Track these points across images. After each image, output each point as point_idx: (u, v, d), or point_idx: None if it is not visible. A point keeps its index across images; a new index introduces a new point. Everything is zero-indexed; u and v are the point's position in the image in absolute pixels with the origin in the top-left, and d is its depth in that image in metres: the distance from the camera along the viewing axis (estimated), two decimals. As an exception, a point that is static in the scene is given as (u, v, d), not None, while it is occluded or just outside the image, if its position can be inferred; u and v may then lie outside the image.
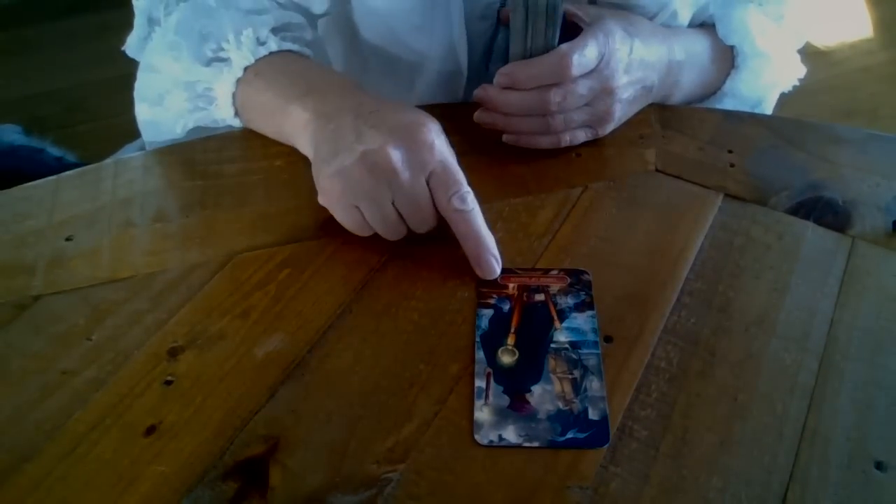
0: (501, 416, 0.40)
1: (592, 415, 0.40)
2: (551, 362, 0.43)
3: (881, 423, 0.40)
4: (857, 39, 2.10)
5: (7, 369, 0.42)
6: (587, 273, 0.47)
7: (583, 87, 0.52)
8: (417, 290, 0.47)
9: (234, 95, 0.55)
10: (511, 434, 0.39)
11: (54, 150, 1.01)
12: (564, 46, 0.51)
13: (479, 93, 0.54)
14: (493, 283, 0.47)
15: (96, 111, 1.68)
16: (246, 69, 0.54)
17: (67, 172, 0.55)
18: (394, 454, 0.38)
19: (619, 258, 0.49)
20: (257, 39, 0.54)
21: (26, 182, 0.54)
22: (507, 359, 0.43)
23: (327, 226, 0.50)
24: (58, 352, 0.43)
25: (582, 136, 0.56)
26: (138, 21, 0.61)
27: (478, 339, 0.44)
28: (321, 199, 0.47)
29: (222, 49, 0.54)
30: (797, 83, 0.67)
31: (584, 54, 0.50)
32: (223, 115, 0.56)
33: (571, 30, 0.53)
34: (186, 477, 0.37)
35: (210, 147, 0.58)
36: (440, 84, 0.65)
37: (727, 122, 0.60)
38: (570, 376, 0.42)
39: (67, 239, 0.50)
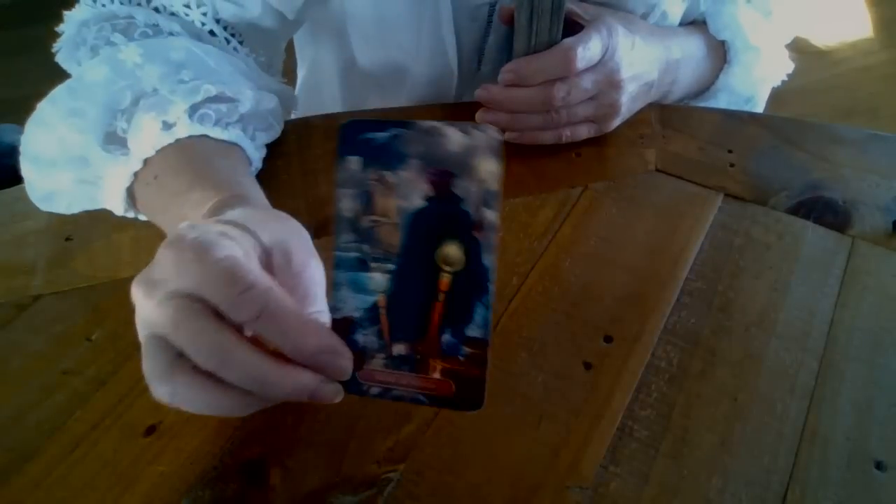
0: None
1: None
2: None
3: (881, 423, 0.40)
4: (857, 39, 2.10)
5: (7, 369, 0.42)
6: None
7: (587, 81, 0.52)
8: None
9: (128, 190, 0.46)
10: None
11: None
12: (568, 40, 0.51)
13: (481, 93, 0.54)
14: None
15: (96, 111, 1.67)
16: (146, 162, 0.45)
17: (67, 172, 0.55)
18: (394, 454, 0.38)
19: (619, 258, 0.49)
20: (164, 123, 0.45)
21: (26, 182, 0.54)
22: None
23: (327, 226, 0.50)
24: (58, 352, 0.43)
25: (584, 131, 0.56)
26: (68, 27, 0.52)
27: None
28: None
29: (123, 131, 0.47)
30: (786, 78, 0.68)
31: (589, 48, 0.51)
32: (112, 206, 0.48)
33: (571, 28, 0.53)
34: (186, 477, 0.37)
35: (210, 147, 0.57)
36: (430, 85, 0.65)
37: (727, 122, 0.60)
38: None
39: (67, 239, 0.50)
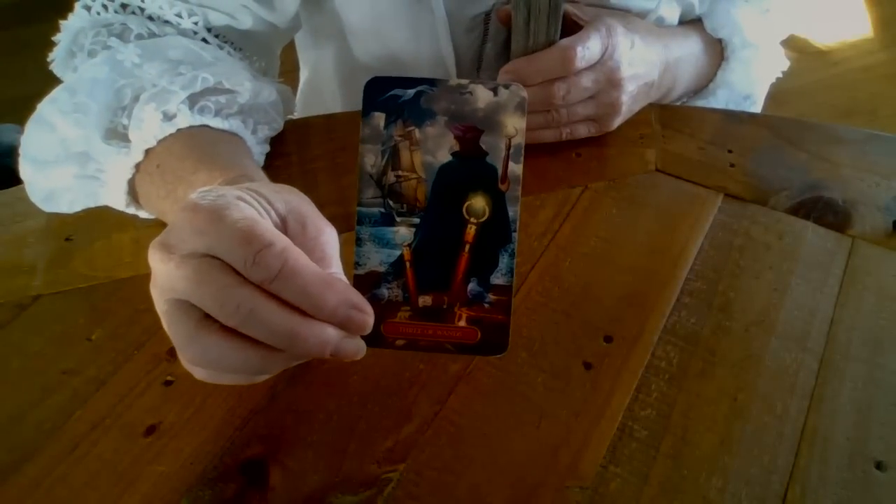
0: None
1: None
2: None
3: (881, 423, 0.40)
4: (857, 39, 2.10)
5: (7, 369, 0.42)
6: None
7: (587, 80, 0.52)
8: (417, 290, 0.47)
9: (129, 182, 0.46)
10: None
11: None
12: (567, 40, 0.51)
13: None
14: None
15: (96, 111, 1.67)
16: (147, 153, 0.45)
17: (67, 172, 0.55)
18: (394, 454, 0.38)
19: (619, 258, 0.49)
20: (164, 114, 0.45)
21: (26, 182, 0.54)
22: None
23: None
24: (58, 352, 0.43)
25: (583, 130, 0.55)
26: (64, 37, 0.52)
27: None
28: None
29: (123, 125, 0.46)
30: (780, 75, 0.69)
31: (588, 47, 0.50)
32: (112, 201, 0.48)
33: (570, 28, 0.53)
34: (186, 477, 0.37)
35: (210, 147, 0.57)
36: None
37: (727, 122, 0.60)
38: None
39: (67, 239, 0.50)
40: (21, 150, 0.48)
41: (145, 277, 0.48)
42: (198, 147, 0.45)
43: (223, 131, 0.48)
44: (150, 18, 0.52)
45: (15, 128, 1.05)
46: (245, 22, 0.54)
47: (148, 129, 0.45)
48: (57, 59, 0.53)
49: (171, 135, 0.45)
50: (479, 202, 0.34)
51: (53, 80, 0.51)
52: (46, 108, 0.47)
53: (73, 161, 0.47)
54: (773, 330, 0.44)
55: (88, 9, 0.52)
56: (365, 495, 0.37)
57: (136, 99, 0.47)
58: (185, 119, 0.46)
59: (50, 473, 0.37)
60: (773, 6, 0.64)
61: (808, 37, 2.06)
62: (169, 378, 0.42)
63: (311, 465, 0.38)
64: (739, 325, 0.45)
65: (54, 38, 0.52)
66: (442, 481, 0.37)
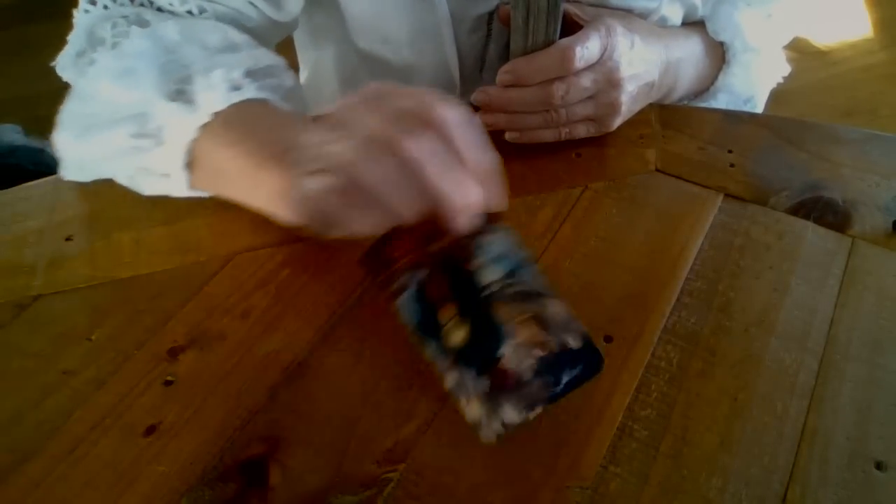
0: (492, 401, 0.36)
1: (573, 343, 0.36)
2: (501, 311, 0.37)
3: (881, 423, 0.40)
4: (857, 39, 2.10)
5: (7, 369, 0.42)
6: None
7: (586, 80, 0.52)
8: (417, 290, 0.47)
9: (189, 144, 0.45)
10: (511, 414, 0.35)
11: (54, 150, 1.01)
12: (567, 40, 0.51)
13: (478, 96, 0.54)
14: (383, 267, 0.39)
15: (96, 111, 1.67)
16: (214, 116, 0.44)
17: (67, 172, 0.55)
18: (394, 454, 0.38)
19: (619, 258, 0.49)
20: (230, 82, 0.45)
21: (26, 182, 0.54)
22: (457, 337, 0.37)
23: (327, 226, 0.50)
24: (58, 352, 0.43)
25: (582, 130, 0.55)
26: (77, 35, 0.51)
27: (418, 333, 0.38)
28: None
29: (185, 88, 0.45)
30: (781, 80, 0.69)
31: (587, 47, 0.50)
32: (165, 164, 0.46)
33: (570, 28, 0.53)
34: (186, 477, 0.37)
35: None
36: None
37: (727, 122, 0.60)
38: (528, 314, 0.37)
39: (67, 239, 0.50)
40: (60, 123, 0.48)
41: (145, 277, 0.48)
42: (268, 109, 0.46)
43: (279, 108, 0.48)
44: (160, 11, 0.52)
45: (15, 128, 1.05)
46: (251, 19, 0.55)
47: (217, 93, 0.45)
48: (64, 59, 0.52)
49: (237, 103, 0.45)
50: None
51: (54, 80, 0.51)
52: (88, 79, 0.48)
53: (129, 122, 0.46)
54: (773, 330, 0.44)
55: (94, 3, 0.51)
56: (365, 495, 0.37)
57: (186, 67, 0.46)
58: (251, 91, 0.46)
59: (50, 473, 0.37)
60: (775, 11, 0.64)
61: (808, 37, 2.06)
62: (169, 378, 0.42)
63: (311, 465, 0.38)
64: (739, 325, 0.45)
65: (67, 38, 0.52)
66: (442, 481, 0.37)
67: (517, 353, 0.36)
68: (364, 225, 0.36)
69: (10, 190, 0.53)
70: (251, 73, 0.47)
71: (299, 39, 0.73)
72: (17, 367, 0.42)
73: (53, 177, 0.54)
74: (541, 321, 0.36)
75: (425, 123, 0.34)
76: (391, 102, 0.35)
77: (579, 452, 0.38)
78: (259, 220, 0.51)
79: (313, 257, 0.49)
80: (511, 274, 0.37)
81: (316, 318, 0.45)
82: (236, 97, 0.45)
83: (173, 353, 0.43)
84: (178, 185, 0.47)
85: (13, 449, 0.38)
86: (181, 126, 0.44)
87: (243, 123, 0.44)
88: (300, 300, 0.46)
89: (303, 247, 0.49)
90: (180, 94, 0.45)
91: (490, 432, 0.36)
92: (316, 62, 0.73)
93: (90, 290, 0.47)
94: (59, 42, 0.52)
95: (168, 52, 0.47)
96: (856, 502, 0.37)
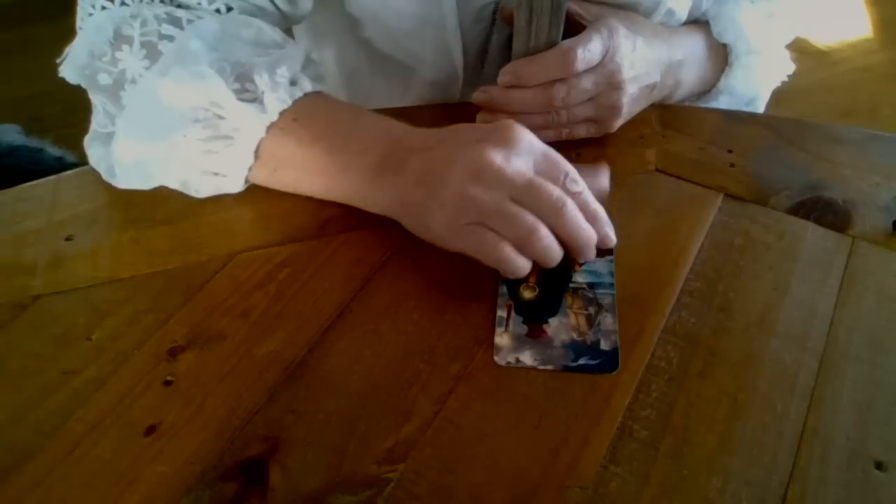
0: (519, 342, 0.43)
1: (604, 345, 0.43)
2: (569, 299, 0.46)
3: (881, 423, 0.40)
4: (857, 39, 2.10)
5: (7, 369, 0.42)
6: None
7: (587, 82, 0.52)
8: (417, 289, 0.47)
9: (259, 143, 0.48)
10: (528, 357, 0.42)
11: (54, 150, 1.01)
12: (568, 41, 0.51)
13: (479, 96, 0.54)
14: None
15: (96, 111, 1.67)
16: (282, 114, 0.47)
17: (67, 172, 0.55)
18: (394, 454, 0.38)
19: (618, 258, 0.49)
20: (289, 78, 0.48)
21: (26, 182, 0.54)
22: (527, 294, 0.46)
23: (327, 226, 0.50)
24: (58, 352, 0.43)
25: (583, 131, 0.55)
26: (92, 33, 0.49)
27: (501, 279, 0.46)
28: (446, 243, 0.44)
29: (248, 87, 0.47)
30: (786, 79, 0.68)
31: (589, 49, 0.50)
32: (233, 164, 0.48)
33: (573, 28, 0.53)
34: (186, 477, 0.37)
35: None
36: (435, 86, 0.64)
37: (727, 122, 0.60)
38: (585, 312, 0.45)
39: (67, 239, 0.50)
40: (120, 129, 0.48)
41: (145, 277, 0.48)
42: (332, 105, 0.50)
43: (334, 99, 0.51)
44: (180, 7, 0.51)
45: (15, 128, 1.05)
46: (268, 15, 0.55)
47: (282, 91, 0.47)
48: (73, 61, 0.50)
49: (301, 97, 0.48)
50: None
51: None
52: (134, 92, 0.48)
53: (200, 125, 0.47)
54: (773, 330, 0.44)
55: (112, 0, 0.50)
56: (365, 495, 0.37)
57: (240, 66, 0.47)
58: (308, 85, 0.49)
59: (50, 473, 0.37)
60: (777, 10, 0.64)
61: (808, 37, 2.05)
62: (169, 378, 0.42)
63: (311, 465, 0.38)
64: (739, 325, 0.45)
65: (76, 34, 0.51)
66: (442, 481, 0.37)
67: (560, 327, 0.44)
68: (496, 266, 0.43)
69: (10, 190, 0.53)
70: (306, 67, 0.50)
71: (299, 40, 0.73)
72: (17, 367, 0.42)
73: (53, 177, 0.54)
74: (590, 320, 0.44)
75: (555, 178, 0.44)
76: (509, 150, 0.43)
77: (579, 452, 0.38)
78: (259, 220, 0.52)
79: (313, 257, 0.49)
80: (592, 286, 0.46)
81: (316, 318, 0.45)
82: (298, 92, 0.48)
83: (173, 353, 0.43)
84: (235, 183, 0.50)
85: (13, 449, 0.38)
86: (254, 126, 0.47)
87: (313, 119, 0.48)
88: (300, 300, 0.46)
89: (303, 247, 0.49)
90: (246, 93, 0.47)
91: (503, 359, 0.42)
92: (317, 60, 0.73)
93: (90, 290, 0.47)
94: (59, 42, 0.51)
95: (218, 50, 0.48)
96: (856, 502, 0.37)
